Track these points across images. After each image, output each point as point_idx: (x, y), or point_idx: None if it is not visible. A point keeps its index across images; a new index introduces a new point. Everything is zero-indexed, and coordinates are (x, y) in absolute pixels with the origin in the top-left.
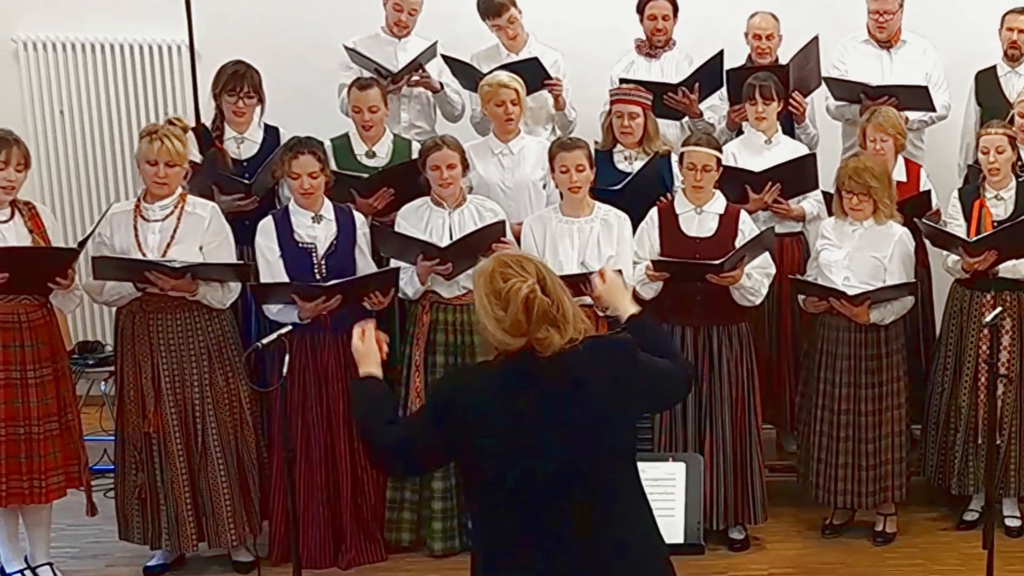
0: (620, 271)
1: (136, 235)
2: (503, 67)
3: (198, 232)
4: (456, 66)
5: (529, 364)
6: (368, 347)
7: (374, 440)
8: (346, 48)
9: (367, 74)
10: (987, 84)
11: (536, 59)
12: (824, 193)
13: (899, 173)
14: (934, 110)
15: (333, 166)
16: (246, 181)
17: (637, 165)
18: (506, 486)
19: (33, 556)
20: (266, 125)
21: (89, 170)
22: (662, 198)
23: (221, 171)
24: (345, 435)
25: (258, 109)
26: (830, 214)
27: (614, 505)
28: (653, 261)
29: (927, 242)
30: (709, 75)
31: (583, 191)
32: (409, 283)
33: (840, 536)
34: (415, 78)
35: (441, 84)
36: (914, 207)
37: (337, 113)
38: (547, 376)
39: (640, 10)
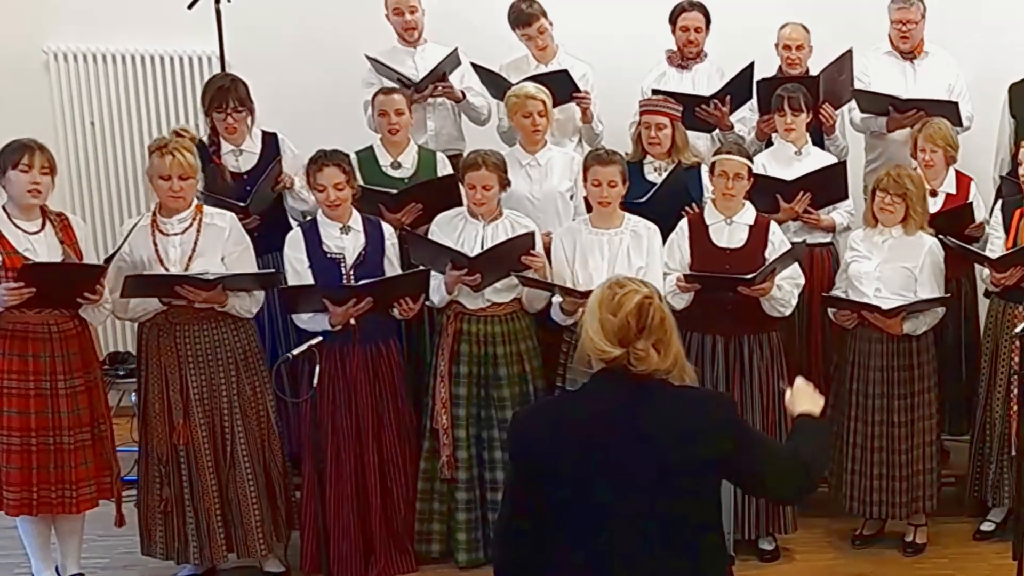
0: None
1: (156, 249)
2: (532, 78)
3: (219, 243)
4: (484, 76)
5: (613, 386)
6: None
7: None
8: (368, 59)
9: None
10: (1020, 96)
11: (565, 71)
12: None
13: (949, 185)
14: (961, 125)
15: (359, 178)
16: (241, 204)
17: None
18: (567, 508)
19: (64, 566)
20: (263, 132)
21: (120, 181)
22: (687, 208)
23: (218, 195)
24: (374, 446)
25: (249, 120)
26: None
27: (667, 546)
28: (684, 276)
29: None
30: (740, 87)
31: (613, 206)
32: (436, 291)
33: (870, 546)
34: (440, 88)
35: (463, 92)
36: (957, 218)
37: (367, 123)
38: (628, 405)
39: (672, 21)
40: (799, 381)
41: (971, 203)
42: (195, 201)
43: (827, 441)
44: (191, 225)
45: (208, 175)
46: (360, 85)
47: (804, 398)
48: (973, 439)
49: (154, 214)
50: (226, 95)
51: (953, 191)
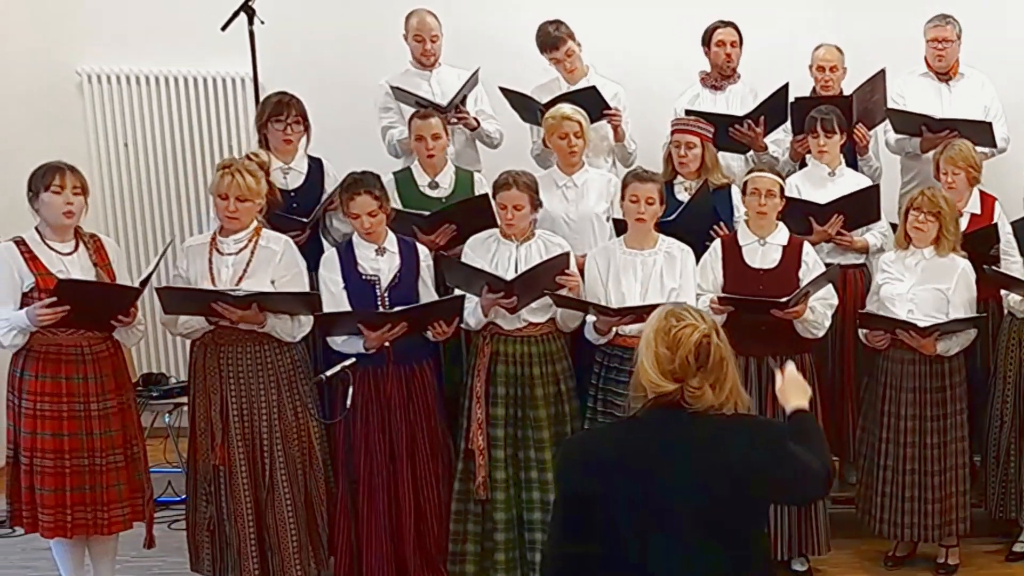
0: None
1: (210, 268)
2: (560, 97)
3: (270, 266)
4: (515, 99)
5: (674, 417)
6: None
7: None
8: (390, 86)
9: (408, 111)
10: None
11: (594, 87)
12: (894, 226)
13: (973, 205)
14: (995, 145)
15: (396, 198)
16: (304, 220)
17: None
18: (617, 539)
19: None
20: (309, 156)
21: (153, 202)
22: (716, 228)
23: (279, 211)
24: (408, 467)
25: (304, 139)
26: None
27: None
28: (718, 297)
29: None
30: (774, 108)
31: (648, 224)
32: (472, 314)
33: (902, 568)
34: (455, 116)
35: (477, 121)
36: (982, 238)
37: (386, 150)
38: (688, 434)
39: (707, 40)
40: (790, 368)
41: (996, 224)
42: (254, 223)
43: (826, 442)
44: (246, 246)
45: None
46: (376, 111)
47: (795, 389)
48: (996, 460)
49: (215, 233)
50: (287, 107)
51: (978, 211)
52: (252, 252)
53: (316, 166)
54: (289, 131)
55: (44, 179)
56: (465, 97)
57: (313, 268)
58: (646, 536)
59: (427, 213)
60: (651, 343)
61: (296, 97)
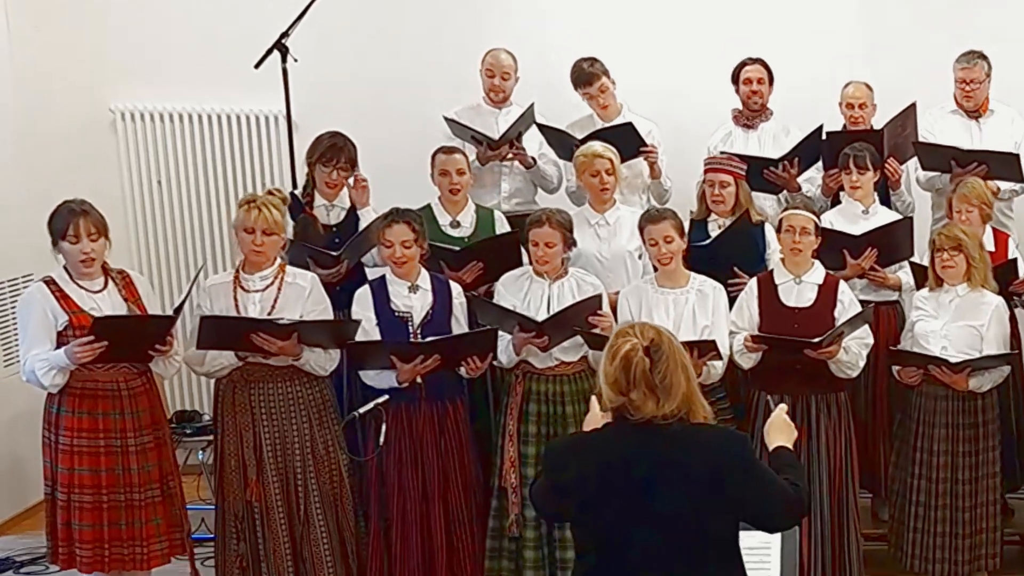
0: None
1: (236, 305)
2: (596, 132)
3: (299, 302)
4: (551, 135)
5: (620, 428)
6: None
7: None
8: (445, 119)
9: (470, 146)
10: None
11: (630, 124)
12: (913, 265)
13: (987, 242)
14: (1021, 180)
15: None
16: (333, 254)
17: None
18: (595, 548)
19: None
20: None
21: (187, 240)
22: (736, 269)
23: (314, 246)
24: (440, 504)
25: (350, 180)
26: (919, 287)
27: None
28: (752, 336)
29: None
30: (808, 150)
31: (675, 262)
32: (504, 352)
33: None
34: (510, 152)
35: (534, 159)
36: (1000, 275)
37: (432, 185)
38: (637, 442)
39: (735, 77)
40: (778, 412)
41: (1015, 259)
42: (279, 260)
43: (804, 475)
44: (272, 283)
45: (300, 225)
46: (442, 138)
47: (780, 431)
48: None
49: (237, 270)
50: (339, 152)
51: (991, 248)
52: (279, 288)
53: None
54: (336, 175)
55: (60, 227)
56: (521, 134)
57: (347, 305)
58: (614, 543)
59: (456, 248)
60: (604, 358)
61: (350, 142)
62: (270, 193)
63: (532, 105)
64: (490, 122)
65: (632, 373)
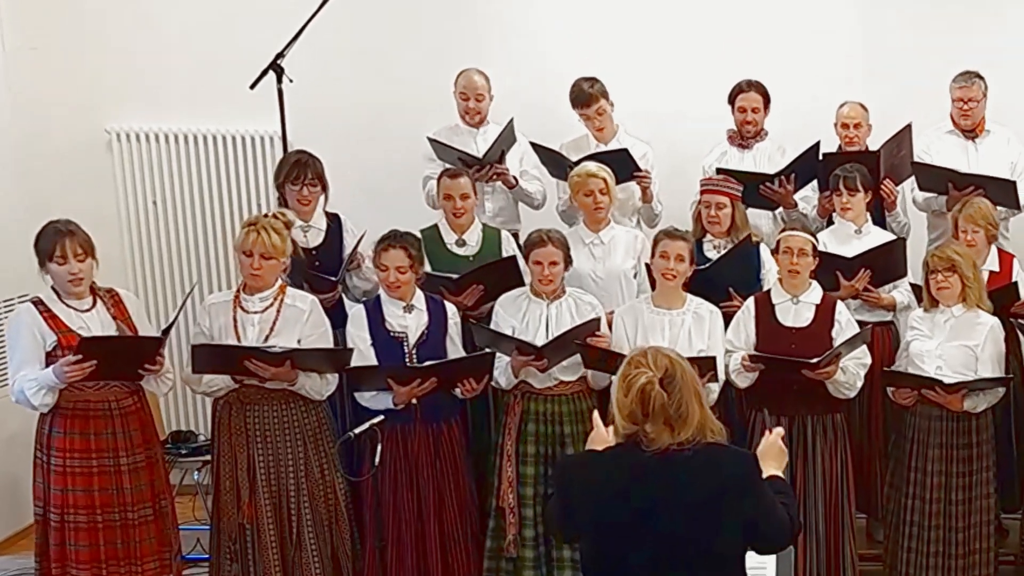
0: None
1: (235, 326)
2: (592, 156)
3: (297, 325)
4: (545, 154)
5: (634, 456)
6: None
7: None
8: (429, 139)
9: (449, 165)
10: None
11: (625, 150)
12: (915, 286)
13: (991, 263)
14: (1018, 207)
15: (423, 255)
16: (333, 279)
17: None
18: (601, 569)
19: None
20: (327, 213)
21: (182, 260)
22: (734, 291)
23: (310, 270)
24: (435, 525)
25: (322, 197)
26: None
27: None
28: (749, 355)
29: (1020, 332)
30: (805, 166)
31: (676, 282)
32: (503, 374)
33: None
34: (493, 172)
35: (515, 178)
36: (1002, 297)
37: (424, 199)
38: (651, 471)
39: (731, 101)
40: (773, 437)
41: (1016, 282)
42: (279, 282)
43: (795, 500)
44: (272, 305)
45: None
46: (421, 160)
47: (773, 457)
48: None
49: (238, 290)
50: (305, 167)
51: (996, 269)
52: (278, 311)
53: (335, 223)
54: (306, 191)
55: (46, 248)
56: (504, 153)
57: (336, 327)
58: (629, 558)
59: (455, 276)
60: (617, 387)
61: (313, 156)
62: (274, 216)
63: (511, 120)
64: (468, 142)
65: (649, 407)
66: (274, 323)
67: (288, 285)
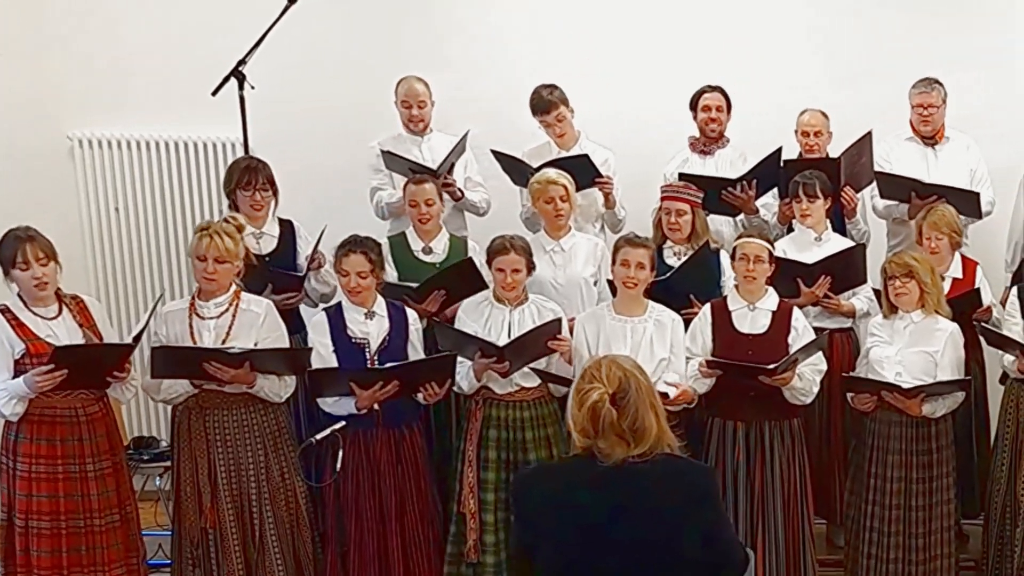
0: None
1: (191, 332)
2: (552, 162)
3: (253, 328)
4: (506, 162)
5: (589, 469)
6: None
7: None
8: (382, 151)
9: (397, 175)
10: None
11: (586, 156)
12: (878, 292)
13: (955, 270)
14: (980, 216)
15: (390, 262)
16: (299, 275)
17: None
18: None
19: None
20: (280, 219)
21: (145, 267)
22: (692, 297)
23: (274, 269)
24: (397, 530)
25: (273, 203)
26: None
27: None
28: (706, 361)
29: (981, 338)
30: (767, 172)
31: (638, 289)
32: (465, 378)
33: None
34: (443, 184)
35: (462, 192)
36: (964, 304)
37: (373, 211)
38: (610, 481)
39: (693, 105)
40: None
41: (978, 288)
42: (233, 287)
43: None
44: (227, 310)
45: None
46: (367, 172)
47: None
48: (993, 523)
49: (193, 297)
50: (255, 173)
51: (960, 275)
52: (234, 315)
53: (287, 229)
54: (258, 196)
55: (8, 255)
56: (453, 165)
57: (294, 331)
58: (587, 570)
59: (415, 285)
60: (572, 399)
61: (263, 162)
62: (226, 221)
63: (466, 134)
64: (412, 151)
65: (600, 424)
66: (230, 328)
67: (242, 290)
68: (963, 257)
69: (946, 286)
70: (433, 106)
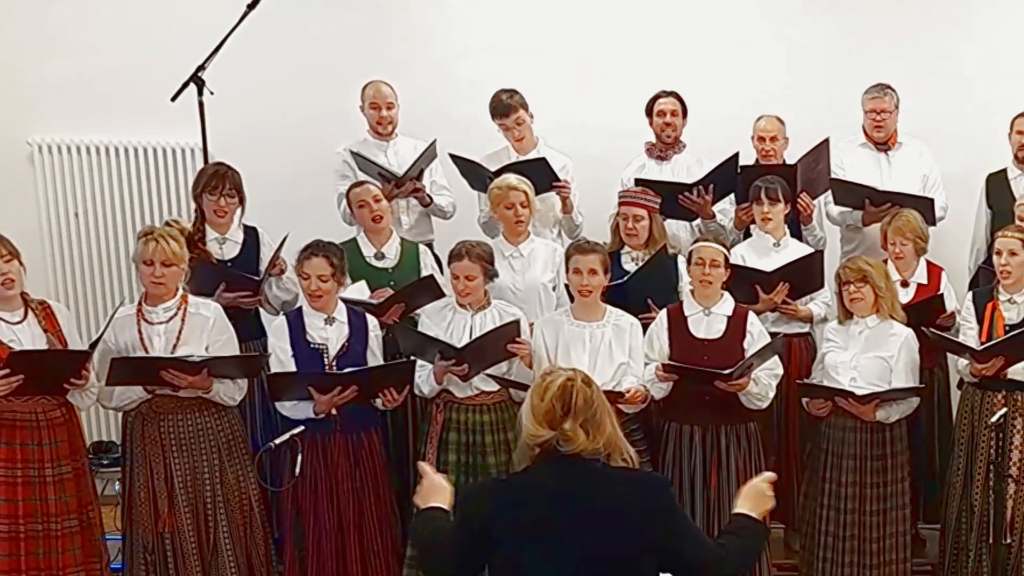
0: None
1: (141, 338)
2: (511, 165)
3: (203, 332)
4: (464, 166)
5: (551, 470)
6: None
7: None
8: (352, 153)
9: (368, 179)
10: (997, 187)
11: (543, 159)
12: None
13: (920, 275)
14: (934, 223)
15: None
16: (256, 279)
17: None
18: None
19: None
20: (245, 226)
21: (104, 272)
22: (650, 301)
23: (230, 269)
24: (355, 535)
25: (239, 210)
26: None
27: None
28: (664, 365)
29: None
30: (723, 177)
31: (594, 296)
32: (425, 382)
33: None
34: (411, 188)
35: (430, 197)
36: (927, 310)
37: (341, 216)
38: (567, 488)
39: (649, 110)
40: (761, 481)
41: (942, 294)
42: (180, 291)
43: (759, 544)
44: (176, 314)
45: (195, 262)
46: (334, 177)
47: (754, 498)
48: (949, 527)
49: (140, 302)
50: (223, 179)
51: (924, 281)
52: (183, 320)
53: (251, 236)
54: (224, 202)
55: None
56: (423, 172)
57: (254, 336)
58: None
59: (375, 302)
60: (528, 399)
61: (232, 168)
62: (168, 224)
63: (434, 141)
64: (379, 156)
65: (572, 403)
66: (180, 332)
67: (189, 294)
68: (928, 263)
69: (911, 292)
70: (399, 109)
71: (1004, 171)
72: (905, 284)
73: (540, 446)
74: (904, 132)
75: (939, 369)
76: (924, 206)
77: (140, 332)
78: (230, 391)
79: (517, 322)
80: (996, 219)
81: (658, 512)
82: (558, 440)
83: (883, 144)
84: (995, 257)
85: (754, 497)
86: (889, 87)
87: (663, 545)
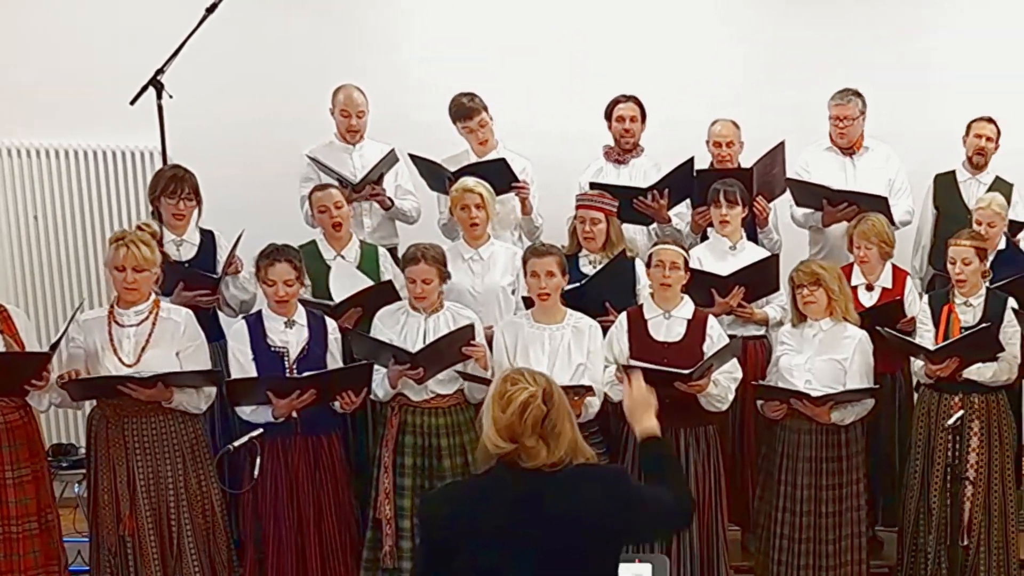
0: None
1: (111, 338)
2: (470, 166)
3: (175, 337)
4: (424, 167)
5: (512, 477)
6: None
7: None
8: (309, 157)
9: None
10: (945, 188)
11: (503, 160)
12: None
13: (885, 280)
14: (892, 222)
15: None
16: (215, 276)
17: None
18: None
19: None
20: (201, 229)
21: (63, 275)
22: (611, 306)
23: (187, 268)
24: (316, 538)
25: (196, 212)
26: None
27: None
28: (623, 366)
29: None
30: (679, 181)
31: (553, 298)
32: (380, 385)
33: None
34: (370, 192)
35: (392, 200)
36: (887, 313)
37: (304, 219)
38: (528, 493)
39: (608, 114)
40: (636, 384)
41: (900, 299)
42: (153, 295)
43: (682, 470)
44: (147, 318)
45: None
46: (298, 181)
47: (643, 407)
48: (906, 529)
49: (112, 305)
50: (180, 182)
51: (889, 285)
52: (154, 323)
53: (208, 238)
54: (182, 205)
55: None
56: (383, 175)
57: (213, 339)
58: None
59: (332, 303)
60: (490, 406)
61: (189, 172)
62: (139, 228)
63: (393, 150)
64: (344, 159)
65: (527, 421)
66: (150, 335)
67: (159, 296)
68: (894, 267)
69: (876, 295)
70: (368, 115)
71: (953, 173)
72: (870, 288)
73: (500, 456)
74: (871, 136)
75: (900, 374)
76: (880, 205)
77: (111, 334)
78: (194, 401)
79: (472, 325)
80: (942, 220)
81: (619, 503)
82: (519, 454)
83: (848, 149)
84: (949, 266)
85: (644, 406)
86: (855, 92)
87: (627, 528)
